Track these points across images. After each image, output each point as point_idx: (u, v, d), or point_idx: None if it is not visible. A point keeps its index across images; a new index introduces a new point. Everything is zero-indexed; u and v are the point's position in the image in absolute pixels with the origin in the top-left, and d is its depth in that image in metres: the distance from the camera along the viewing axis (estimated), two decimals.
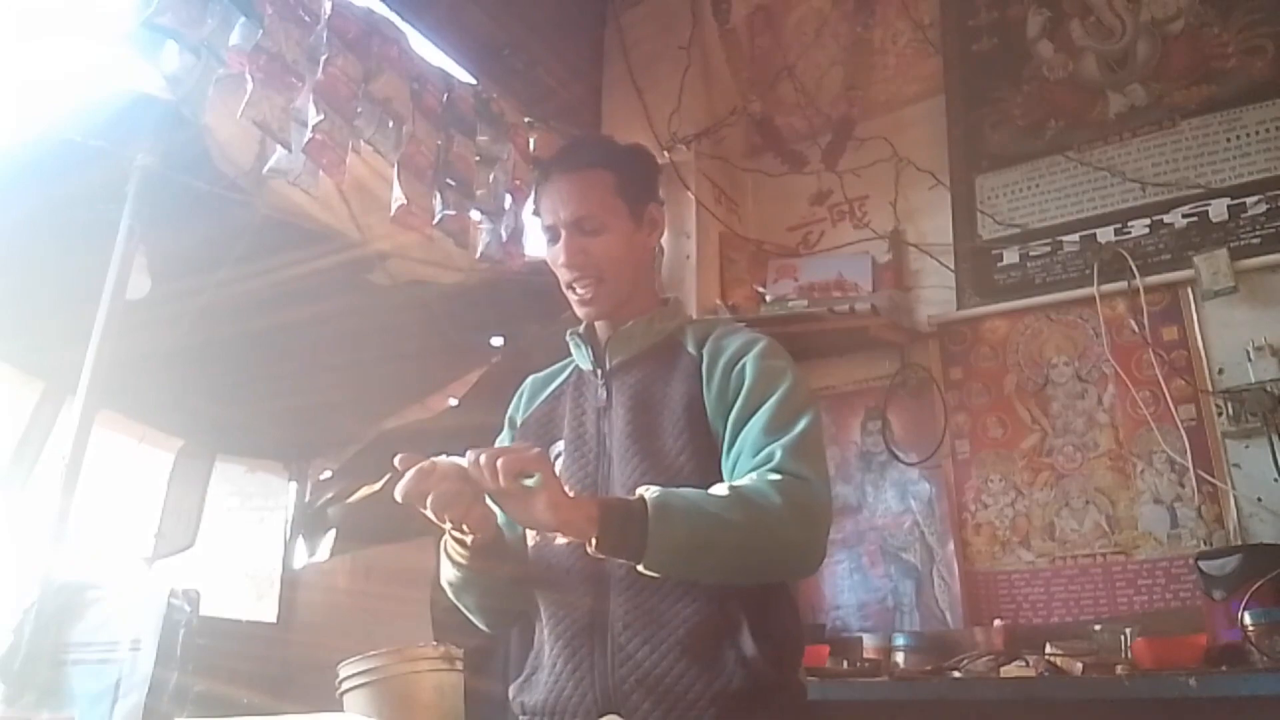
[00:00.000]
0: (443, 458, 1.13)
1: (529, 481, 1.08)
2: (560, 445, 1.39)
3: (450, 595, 1.42)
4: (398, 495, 1.12)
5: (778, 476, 1.16)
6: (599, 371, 1.40)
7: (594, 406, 1.39)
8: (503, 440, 1.51)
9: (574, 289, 1.39)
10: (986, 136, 2.90)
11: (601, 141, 1.59)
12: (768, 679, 1.20)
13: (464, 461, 1.11)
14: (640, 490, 1.13)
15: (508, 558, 1.30)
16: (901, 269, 2.93)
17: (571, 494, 1.16)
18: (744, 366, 1.30)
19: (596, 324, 1.44)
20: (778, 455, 1.19)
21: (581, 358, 1.44)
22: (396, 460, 1.13)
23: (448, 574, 1.37)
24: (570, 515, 1.09)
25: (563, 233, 1.37)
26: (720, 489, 1.16)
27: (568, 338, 1.46)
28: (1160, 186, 2.59)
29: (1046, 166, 2.78)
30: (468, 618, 1.45)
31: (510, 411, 1.52)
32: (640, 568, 1.12)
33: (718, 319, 1.43)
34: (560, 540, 1.26)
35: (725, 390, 1.30)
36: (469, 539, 1.23)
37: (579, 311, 1.42)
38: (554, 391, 1.48)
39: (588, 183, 1.38)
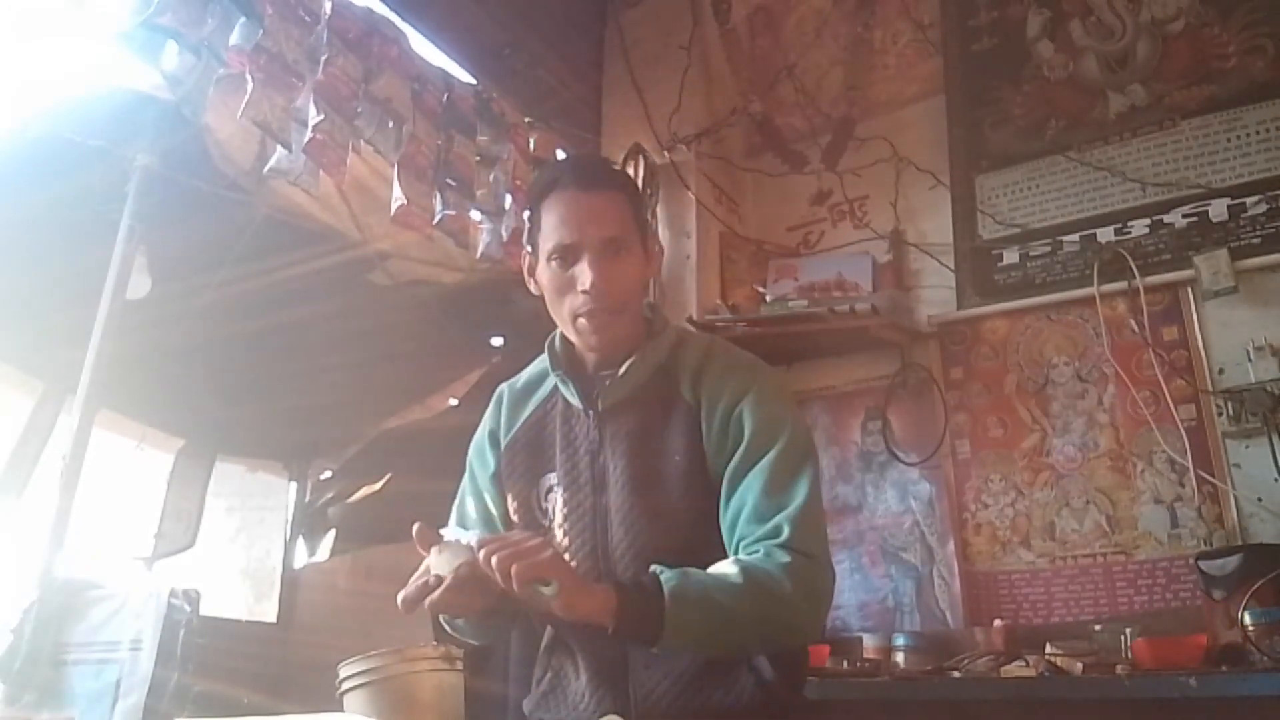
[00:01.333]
0: (453, 539, 1.12)
1: (546, 590, 1.06)
2: (552, 478, 1.35)
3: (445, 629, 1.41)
4: (401, 604, 1.11)
5: (787, 559, 1.15)
6: (590, 412, 1.32)
7: (587, 447, 1.32)
8: (482, 452, 1.44)
9: (589, 319, 1.27)
10: (986, 136, 2.90)
11: (608, 162, 1.51)
12: (781, 698, 1.24)
13: (472, 540, 1.10)
14: (653, 569, 1.13)
15: (503, 615, 1.27)
16: (901, 269, 2.93)
17: (578, 570, 1.19)
18: (741, 415, 1.26)
19: (582, 352, 1.35)
20: (785, 530, 1.17)
21: (570, 394, 1.35)
22: (415, 530, 1.13)
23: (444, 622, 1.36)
24: (587, 610, 1.09)
25: (586, 254, 1.24)
26: (733, 573, 1.14)
27: (553, 372, 1.37)
28: (1160, 186, 2.59)
29: (1046, 166, 2.77)
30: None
31: (490, 425, 1.44)
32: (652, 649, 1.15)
33: (707, 341, 1.33)
34: None
35: (724, 441, 1.26)
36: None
37: (584, 341, 1.31)
38: (537, 410, 1.40)
39: (612, 204, 1.28)
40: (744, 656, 1.24)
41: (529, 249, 1.35)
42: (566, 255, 1.26)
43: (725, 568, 1.16)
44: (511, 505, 1.39)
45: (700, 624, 1.11)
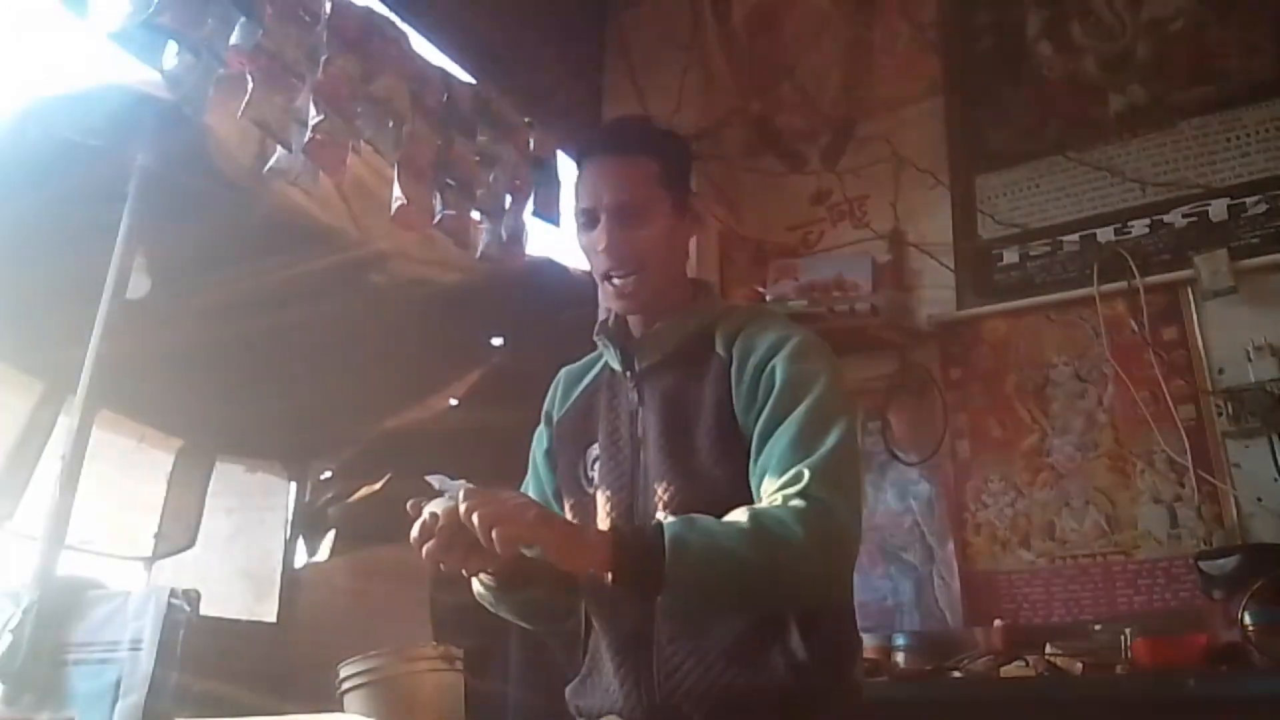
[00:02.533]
0: (442, 502, 1.09)
1: (529, 552, 1.05)
2: (596, 448, 1.35)
3: (490, 607, 1.38)
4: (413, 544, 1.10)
5: (802, 504, 1.09)
6: (629, 373, 1.35)
7: (627, 409, 1.34)
8: (540, 438, 1.47)
9: (611, 279, 1.31)
10: (986, 136, 2.90)
11: (644, 124, 1.47)
12: (818, 681, 1.18)
13: (459, 491, 1.08)
14: (660, 517, 1.11)
15: (540, 576, 1.25)
16: (901, 269, 2.93)
17: (582, 524, 1.16)
18: (773, 369, 1.23)
19: (628, 320, 1.38)
20: (805, 477, 1.11)
21: (611, 358, 1.38)
22: (409, 505, 1.11)
23: (476, 589, 1.34)
24: (582, 561, 1.07)
25: (602, 217, 1.29)
26: (741, 518, 1.09)
27: (595, 337, 1.40)
28: (1160, 186, 2.59)
29: (1046, 166, 2.77)
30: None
31: (546, 406, 1.48)
32: (659, 600, 1.11)
33: (753, 308, 1.35)
34: None
35: (754, 395, 1.23)
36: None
37: (614, 304, 1.35)
38: (588, 387, 1.43)
39: (634, 168, 1.30)
40: (777, 636, 1.17)
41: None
42: (587, 219, 1.31)
43: (735, 514, 1.10)
44: (560, 480, 1.40)
45: (703, 571, 1.06)
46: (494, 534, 1.00)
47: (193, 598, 1.75)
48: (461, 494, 1.06)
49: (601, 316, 1.45)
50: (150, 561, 3.08)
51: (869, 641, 2.49)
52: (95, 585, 1.94)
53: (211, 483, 3.27)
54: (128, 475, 3.08)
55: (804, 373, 1.22)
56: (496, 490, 1.09)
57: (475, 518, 1.02)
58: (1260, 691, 1.75)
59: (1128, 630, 2.06)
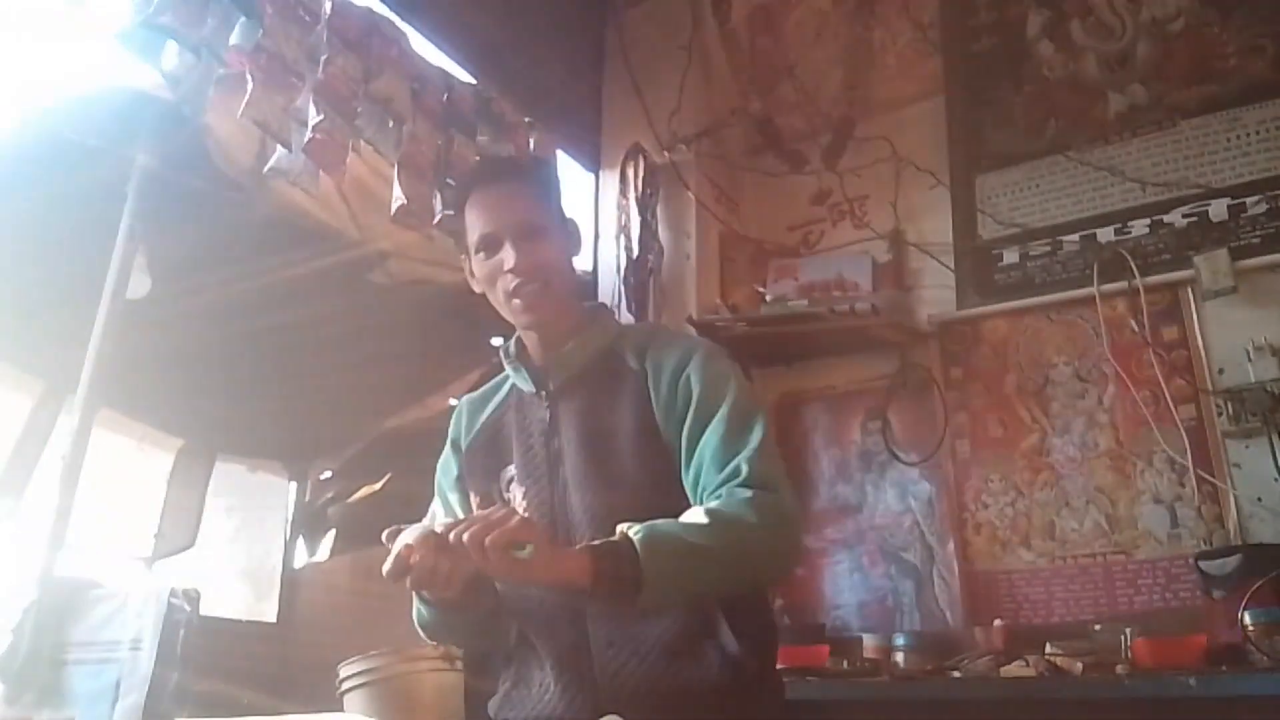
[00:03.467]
0: (420, 530, 1.11)
1: (521, 553, 1.06)
2: (511, 470, 1.39)
3: (422, 634, 1.42)
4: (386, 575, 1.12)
5: (749, 493, 1.19)
6: (542, 393, 1.39)
7: (540, 429, 1.38)
8: (447, 464, 1.50)
9: (518, 296, 1.35)
10: (986, 136, 2.90)
11: (516, 160, 1.62)
12: (749, 671, 1.25)
13: (438, 528, 1.10)
14: (622, 528, 1.14)
15: (481, 598, 1.29)
16: (901, 269, 2.93)
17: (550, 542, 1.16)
18: (689, 378, 1.31)
19: (529, 343, 1.43)
20: (744, 469, 1.21)
21: (522, 380, 1.42)
22: (384, 536, 1.13)
23: (420, 617, 1.37)
24: (564, 574, 1.10)
25: (506, 240, 1.34)
26: (698, 516, 1.17)
27: (504, 361, 1.45)
28: (1160, 186, 2.59)
29: (1047, 166, 2.78)
30: None
31: (453, 434, 1.51)
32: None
33: (650, 326, 1.45)
34: None
35: (674, 402, 1.31)
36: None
37: (521, 319, 1.39)
38: (494, 412, 1.47)
39: (525, 190, 1.38)
40: (708, 632, 1.24)
41: (463, 256, 1.44)
42: (489, 243, 1.36)
43: (690, 514, 1.19)
44: (474, 503, 1.43)
45: (677, 569, 1.12)
46: (488, 540, 1.04)
47: (193, 598, 1.75)
48: (438, 525, 1.10)
49: (498, 343, 1.51)
50: (150, 561, 3.08)
51: (869, 641, 2.49)
52: (95, 585, 1.93)
53: (211, 483, 3.26)
54: (128, 475, 3.07)
55: (717, 377, 1.32)
56: (473, 514, 1.15)
57: (465, 536, 1.05)
58: (1260, 691, 1.75)
59: (1128, 630, 2.07)
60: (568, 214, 1.45)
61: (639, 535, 1.12)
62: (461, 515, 1.43)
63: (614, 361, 1.39)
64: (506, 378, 1.48)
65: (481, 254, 1.37)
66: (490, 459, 1.43)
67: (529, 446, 1.38)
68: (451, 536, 1.06)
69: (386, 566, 1.10)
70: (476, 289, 1.44)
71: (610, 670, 1.25)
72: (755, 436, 1.25)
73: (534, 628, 1.34)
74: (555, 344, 1.39)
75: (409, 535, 1.11)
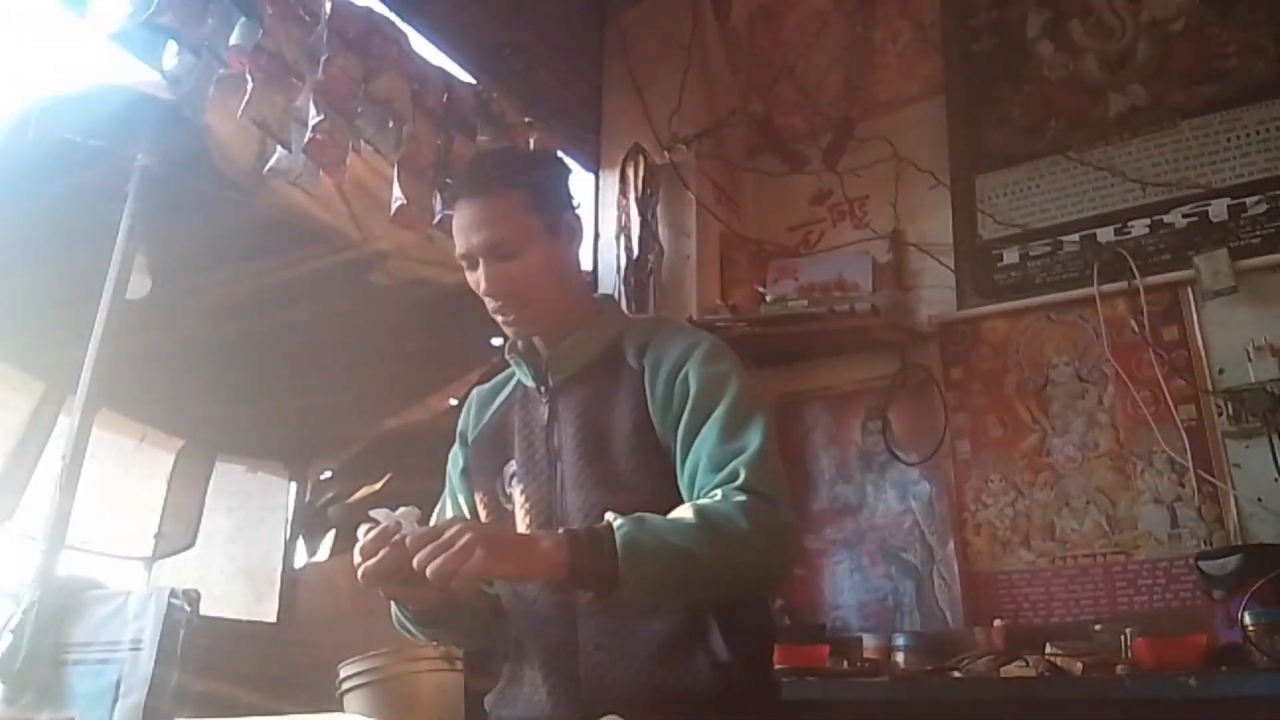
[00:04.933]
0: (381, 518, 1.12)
1: (489, 590, 1.08)
2: (513, 464, 1.38)
3: (418, 634, 1.41)
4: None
5: (743, 498, 1.14)
6: (543, 389, 1.38)
7: (541, 424, 1.37)
8: (455, 458, 1.49)
9: (499, 315, 1.35)
10: (987, 136, 2.90)
11: (508, 156, 1.53)
12: (742, 680, 1.22)
13: (400, 519, 1.11)
14: (608, 517, 1.12)
15: (466, 607, 1.30)
16: (901, 269, 2.93)
17: (531, 533, 1.17)
18: (686, 375, 1.28)
19: (534, 339, 1.40)
20: (741, 474, 1.17)
21: (524, 375, 1.41)
22: (359, 531, 1.15)
23: (398, 616, 1.37)
24: (539, 567, 1.09)
25: (480, 260, 1.31)
26: (687, 515, 1.14)
27: (507, 355, 1.42)
28: (1160, 186, 2.59)
29: (1047, 166, 2.77)
30: None
31: (461, 426, 1.50)
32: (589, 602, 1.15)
33: (657, 320, 1.41)
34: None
35: (670, 400, 1.27)
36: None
37: (507, 332, 1.38)
38: (501, 406, 1.46)
39: (498, 207, 1.31)
40: (699, 637, 1.21)
41: None
42: (467, 262, 1.34)
43: (680, 511, 1.15)
44: (478, 497, 1.42)
45: (656, 568, 1.09)
46: (452, 586, 1.04)
47: (193, 598, 1.75)
48: (409, 540, 1.09)
49: (498, 343, 1.50)
50: (150, 561, 3.08)
51: (869, 641, 2.49)
52: (95, 585, 1.93)
53: (211, 483, 3.26)
54: (128, 475, 3.07)
55: (716, 375, 1.27)
56: (437, 526, 1.11)
57: (430, 571, 1.04)
58: (1260, 691, 1.75)
59: (1128, 630, 2.07)
60: (569, 207, 1.39)
61: (621, 530, 1.09)
62: (467, 510, 1.44)
63: (614, 358, 1.36)
64: (514, 371, 1.46)
65: (465, 267, 1.36)
66: (494, 453, 1.42)
67: (530, 443, 1.37)
68: (415, 565, 1.05)
69: (355, 557, 1.11)
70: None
71: (597, 673, 1.23)
72: (754, 439, 1.20)
73: (525, 626, 1.33)
74: (556, 340, 1.38)
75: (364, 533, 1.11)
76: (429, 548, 1.06)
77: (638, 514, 1.13)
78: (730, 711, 1.20)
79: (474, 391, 1.53)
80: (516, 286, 1.31)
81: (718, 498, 1.16)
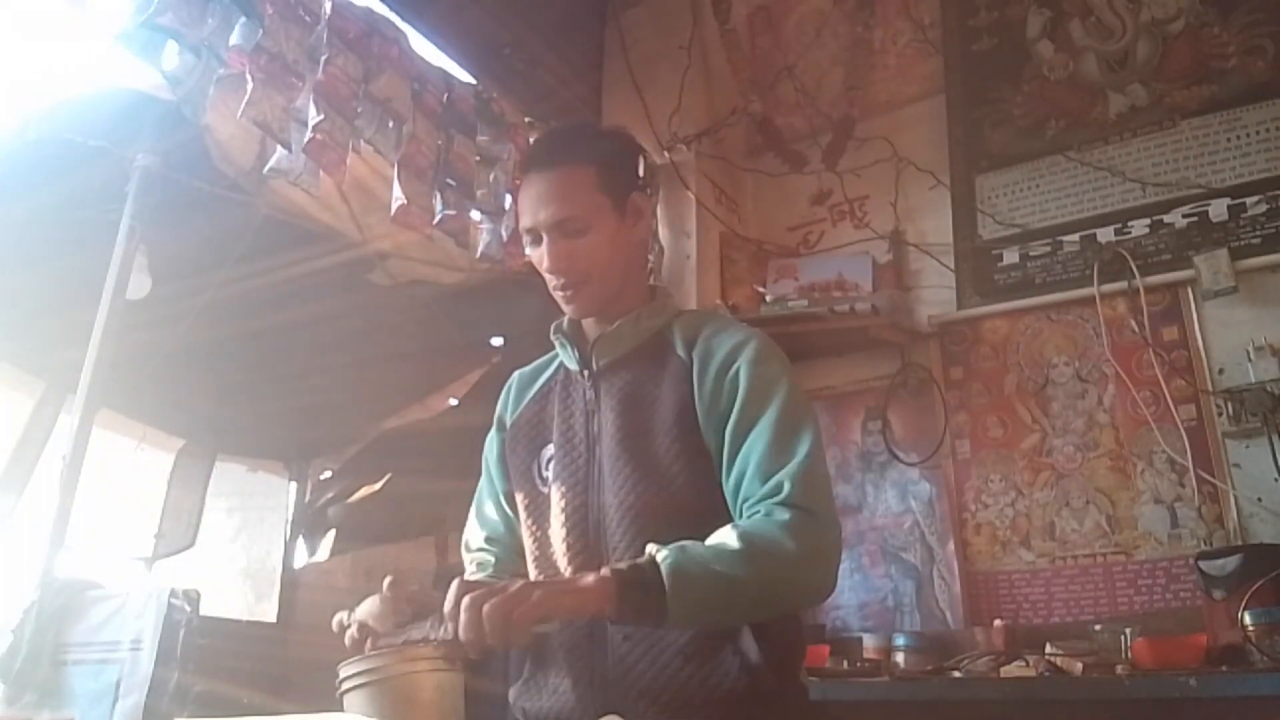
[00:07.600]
0: (369, 606, 1.13)
1: (546, 628, 1.07)
2: (551, 449, 1.36)
3: None
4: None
5: (787, 516, 1.13)
6: (586, 372, 1.36)
7: (582, 408, 1.35)
8: (491, 442, 1.48)
9: (559, 291, 1.33)
10: (987, 136, 2.90)
11: (582, 132, 1.49)
12: (769, 682, 1.19)
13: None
14: (650, 549, 1.11)
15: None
16: (901, 269, 2.93)
17: (575, 579, 1.13)
18: (737, 373, 1.25)
19: (583, 321, 1.39)
20: (786, 487, 1.15)
21: (568, 357, 1.39)
22: (333, 623, 1.18)
23: None
24: (587, 605, 1.09)
25: (544, 236, 1.30)
26: (731, 539, 1.12)
27: (552, 336, 1.41)
28: (1160, 186, 2.59)
29: (1047, 166, 2.77)
30: None
31: (499, 410, 1.49)
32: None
33: (707, 312, 1.39)
34: (560, 556, 1.29)
35: (718, 398, 1.25)
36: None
37: (566, 310, 1.37)
38: (541, 390, 1.44)
39: (568, 181, 1.30)
40: (729, 637, 1.20)
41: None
42: (531, 236, 1.32)
43: (723, 535, 1.13)
44: (515, 479, 1.40)
45: (704, 599, 1.09)
46: (508, 637, 1.03)
47: (193, 598, 1.75)
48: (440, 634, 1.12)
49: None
50: (150, 561, 3.08)
51: (869, 641, 2.49)
52: (95, 585, 1.93)
53: (211, 483, 3.26)
54: (128, 475, 3.08)
55: (767, 376, 1.25)
56: (479, 592, 1.08)
57: (486, 611, 1.03)
58: (1260, 691, 1.75)
59: (1128, 630, 2.07)
60: (637, 187, 1.37)
61: (667, 562, 1.08)
62: (503, 495, 1.44)
63: (662, 347, 1.34)
64: (558, 356, 1.43)
65: (528, 242, 1.34)
66: (533, 436, 1.40)
67: (570, 427, 1.35)
68: (463, 623, 1.05)
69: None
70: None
71: (623, 667, 1.21)
72: (802, 449, 1.18)
73: None
74: (607, 323, 1.36)
75: (363, 611, 1.11)
76: (485, 596, 1.05)
77: (680, 543, 1.11)
78: (756, 712, 1.19)
79: (515, 374, 1.50)
80: (579, 264, 1.30)
81: (760, 514, 1.15)
